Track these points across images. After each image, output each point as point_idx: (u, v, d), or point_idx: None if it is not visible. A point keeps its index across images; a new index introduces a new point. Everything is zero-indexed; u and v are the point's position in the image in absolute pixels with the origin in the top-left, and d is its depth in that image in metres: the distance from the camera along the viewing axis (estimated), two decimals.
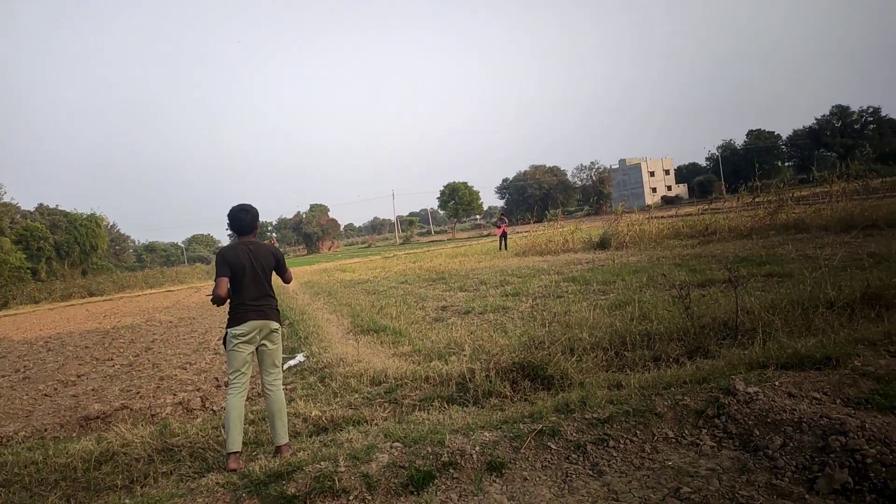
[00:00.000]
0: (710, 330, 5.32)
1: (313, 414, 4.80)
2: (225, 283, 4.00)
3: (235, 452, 3.87)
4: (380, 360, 6.45)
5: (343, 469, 3.30)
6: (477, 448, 3.43)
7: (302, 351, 7.73)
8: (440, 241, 58.54)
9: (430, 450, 3.45)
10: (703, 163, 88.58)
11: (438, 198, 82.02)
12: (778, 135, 78.31)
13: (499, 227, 25.47)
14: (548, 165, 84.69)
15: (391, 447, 3.56)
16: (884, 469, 2.67)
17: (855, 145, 68.59)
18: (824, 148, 72.00)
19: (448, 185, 79.39)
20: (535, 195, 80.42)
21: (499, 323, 7.71)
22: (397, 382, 5.38)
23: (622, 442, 3.41)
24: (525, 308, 8.52)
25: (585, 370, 4.88)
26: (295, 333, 9.25)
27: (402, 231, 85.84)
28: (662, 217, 24.90)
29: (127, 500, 3.51)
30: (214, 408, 5.82)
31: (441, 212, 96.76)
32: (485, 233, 59.70)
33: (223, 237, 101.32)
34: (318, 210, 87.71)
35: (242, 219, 4.23)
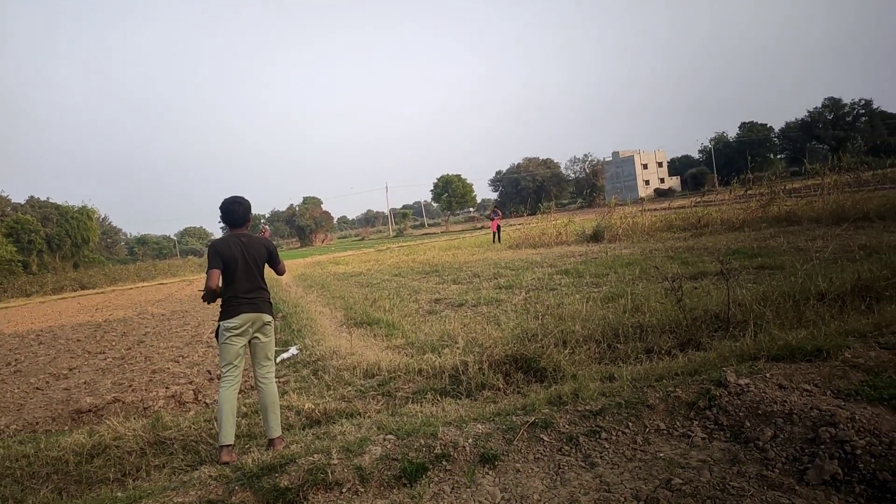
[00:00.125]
0: (702, 322, 5.35)
1: (306, 406, 4.80)
2: (216, 275, 3.97)
3: (228, 445, 3.87)
4: (373, 352, 6.44)
5: (336, 461, 3.30)
6: (470, 440, 3.44)
7: (295, 344, 7.71)
8: (434, 233, 58.54)
9: (423, 442, 3.46)
10: (695, 155, 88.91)
11: (432, 190, 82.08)
12: (770, 127, 78.60)
13: (493, 220, 25.38)
14: (541, 158, 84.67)
15: (384, 439, 3.56)
16: (873, 460, 2.69)
17: (847, 138, 68.90)
18: (816, 140, 72.31)
19: (441, 177, 79.37)
20: (528, 188, 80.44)
21: (492, 315, 7.72)
22: (390, 375, 5.38)
23: (614, 434, 3.42)
24: (518, 300, 8.53)
25: (578, 362, 4.89)
26: (288, 326, 9.24)
27: (396, 224, 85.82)
28: (655, 209, 24.97)
29: (119, 494, 3.49)
30: (207, 401, 5.80)
31: (434, 204, 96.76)
32: (478, 225, 59.75)
33: (216, 230, 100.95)
34: (312, 203, 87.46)
35: (235, 211, 4.19)
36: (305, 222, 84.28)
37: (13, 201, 56.31)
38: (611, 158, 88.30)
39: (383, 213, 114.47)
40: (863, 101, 70.24)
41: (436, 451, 3.37)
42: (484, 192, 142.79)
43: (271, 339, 4.25)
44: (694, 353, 4.69)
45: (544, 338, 5.26)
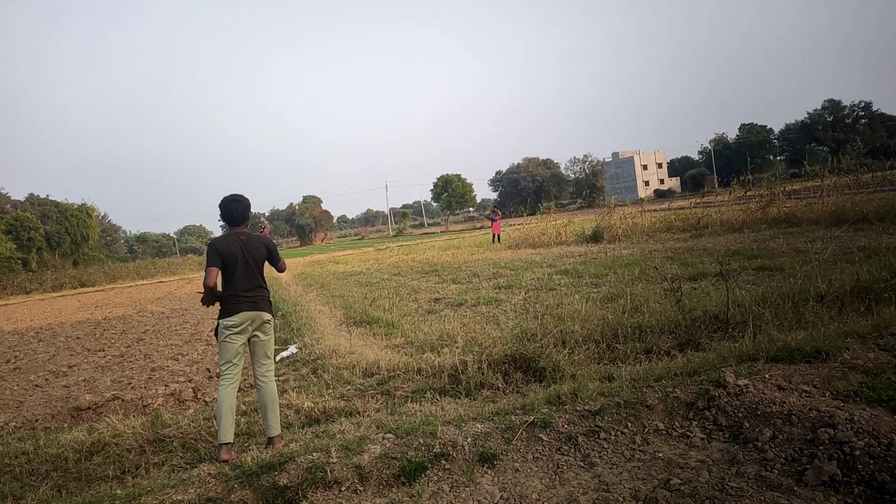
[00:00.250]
0: (702, 323, 5.35)
1: (305, 405, 4.80)
2: (214, 273, 3.97)
3: (227, 443, 3.87)
4: (372, 351, 6.44)
5: (335, 460, 3.30)
6: (469, 439, 3.44)
7: (294, 342, 7.71)
8: (433, 233, 58.56)
9: (422, 441, 3.46)
10: (695, 156, 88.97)
11: (432, 190, 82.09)
12: (770, 129, 78.67)
13: (493, 221, 25.27)
14: (541, 158, 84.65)
15: (383, 438, 3.56)
16: (872, 461, 2.70)
17: (846, 140, 68.97)
18: (816, 142, 72.36)
19: (441, 177, 79.37)
20: (528, 188, 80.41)
21: (491, 315, 7.73)
22: (390, 374, 5.38)
23: (613, 434, 3.42)
24: (517, 300, 8.54)
25: (577, 362, 4.89)
26: (287, 325, 9.24)
27: (395, 223, 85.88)
28: (655, 210, 24.96)
29: (118, 491, 3.49)
30: (206, 399, 5.81)
31: (434, 204, 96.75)
32: (478, 225, 59.73)
33: (215, 228, 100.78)
34: (311, 202, 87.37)
35: (234, 209, 4.19)
36: (305, 221, 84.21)
37: (13, 199, 56.25)
38: (610, 159, 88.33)
39: (383, 212, 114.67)
40: (862, 104, 70.35)
41: (435, 450, 3.37)
42: (484, 191, 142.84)
43: (271, 338, 4.25)
44: (693, 353, 4.69)
45: (543, 338, 5.26)
